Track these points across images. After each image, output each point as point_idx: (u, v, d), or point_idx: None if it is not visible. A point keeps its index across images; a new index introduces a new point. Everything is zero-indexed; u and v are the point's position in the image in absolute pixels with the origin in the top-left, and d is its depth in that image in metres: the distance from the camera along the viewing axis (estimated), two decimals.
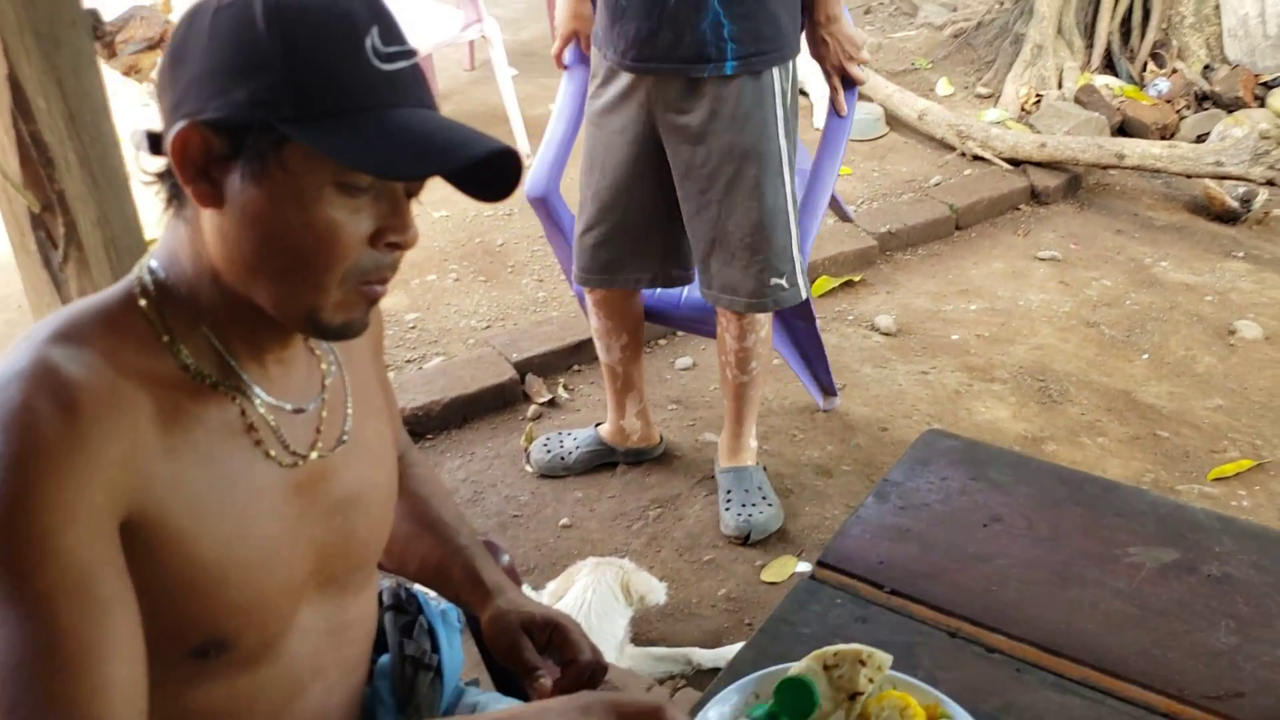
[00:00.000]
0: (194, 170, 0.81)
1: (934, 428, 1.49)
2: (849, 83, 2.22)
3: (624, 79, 2.07)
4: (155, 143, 0.87)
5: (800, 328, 2.46)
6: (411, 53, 0.84)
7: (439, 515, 1.14)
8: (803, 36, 2.15)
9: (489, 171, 0.86)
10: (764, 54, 1.98)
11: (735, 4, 1.94)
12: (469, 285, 3.24)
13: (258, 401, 0.90)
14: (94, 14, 4.62)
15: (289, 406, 0.93)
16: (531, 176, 2.38)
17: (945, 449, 1.29)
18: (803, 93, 3.89)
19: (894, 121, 4.11)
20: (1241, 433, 2.57)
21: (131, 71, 4.34)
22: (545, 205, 2.39)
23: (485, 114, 4.35)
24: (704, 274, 2.18)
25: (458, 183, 0.87)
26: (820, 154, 2.35)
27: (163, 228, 0.91)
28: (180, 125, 0.80)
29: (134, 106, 4.17)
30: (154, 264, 0.89)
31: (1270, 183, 3.27)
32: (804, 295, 2.17)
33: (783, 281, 2.12)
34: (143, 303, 0.86)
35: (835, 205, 2.80)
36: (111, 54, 4.30)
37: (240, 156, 0.80)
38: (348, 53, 0.80)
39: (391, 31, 0.82)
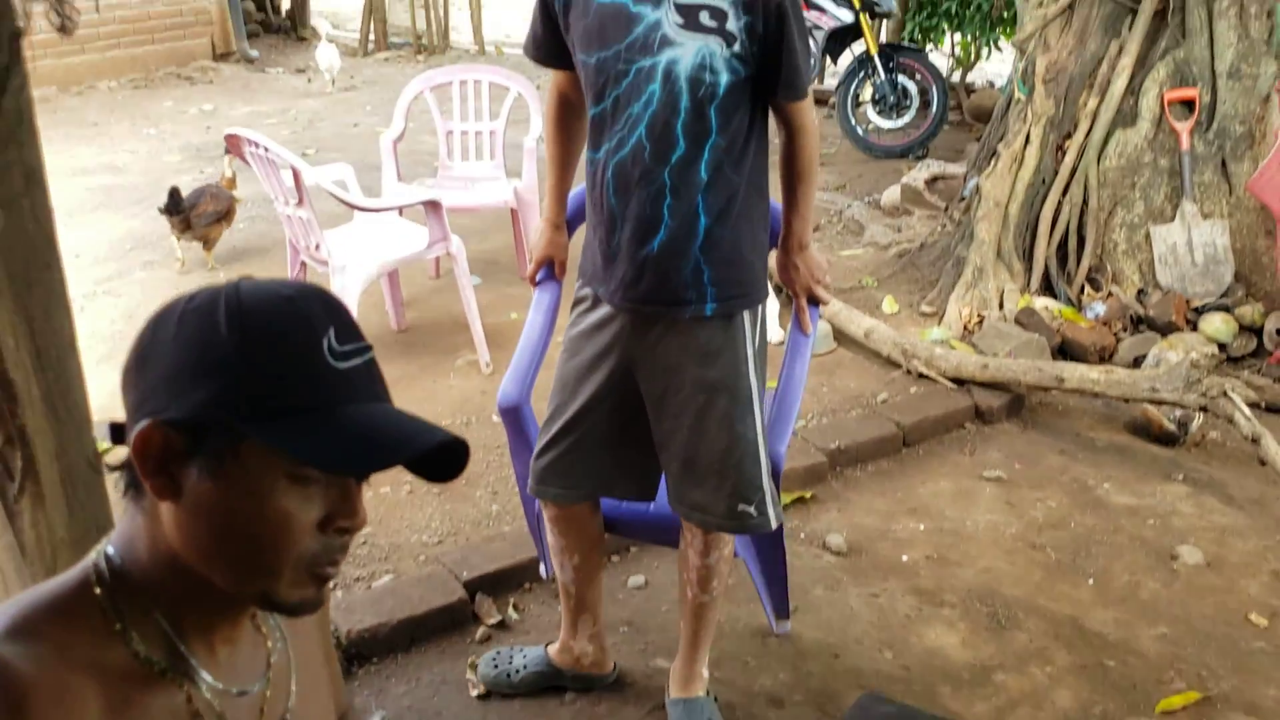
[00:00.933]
0: (153, 466, 0.85)
1: (870, 691, 1.51)
2: (813, 301, 2.35)
3: (604, 310, 2.17)
4: (117, 432, 0.90)
5: (768, 544, 2.49)
6: (366, 348, 0.91)
7: None
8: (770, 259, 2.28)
9: (438, 457, 0.93)
10: (739, 298, 2.10)
11: (714, 252, 2.05)
12: (422, 498, 3.25)
13: (204, 687, 0.92)
14: (175, 190, 4.92)
15: (234, 690, 0.95)
16: (504, 386, 2.43)
17: (881, 715, 1.31)
18: None
19: (842, 338, 4.24)
20: (1187, 662, 2.59)
21: (204, 241, 4.97)
22: (516, 415, 2.43)
23: (448, 321, 4.45)
24: (675, 489, 2.22)
25: (408, 467, 0.92)
26: (786, 370, 2.44)
27: (121, 514, 0.94)
28: (142, 424, 0.84)
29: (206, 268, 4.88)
30: (110, 550, 0.91)
31: (1204, 409, 3.40)
32: (773, 524, 2.20)
33: (751, 509, 2.16)
34: (98, 590, 0.89)
35: None
36: (187, 226, 4.86)
37: (199, 453, 0.85)
38: (305, 354, 0.86)
39: (347, 330, 0.89)
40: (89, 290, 4.70)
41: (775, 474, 2.25)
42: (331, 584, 0.94)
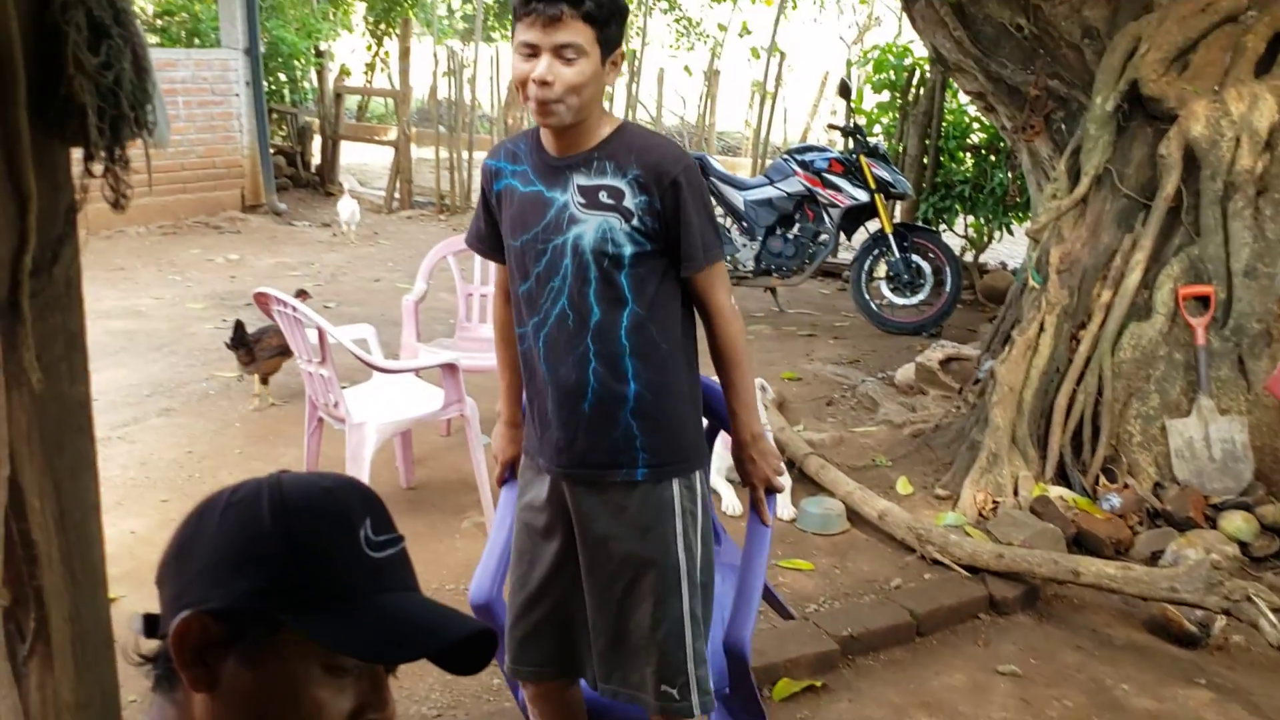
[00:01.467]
0: (192, 656, 0.86)
1: None
2: (770, 490, 2.35)
3: (547, 481, 2.23)
4: (150, 625, 0.91)
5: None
6: (399, 539, 0.96)
7: None
8: (718, 448, 2.32)
9: (464, 647, 0.96)
10: (670, 465, 2.15)
11: (644, 418, 2.13)
12: (422, 667, 3.13)
13: None
14: (239, 324, 5.09)
15: None
16: (475, 583, 2.46)
17: None
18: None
19: (855, 518, 4.21)
20: None
21: (263, 376, 5.17)
22: (489, 611, 2.44)
23: (457, 481, 4.44)
24: (600, 667, 2.21)
25: (433, 659, 0.94)
26: (746, 556, 2.43)
27: (150, 707, 0.92)
28: (183, 614, 0.85)
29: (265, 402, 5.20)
30: None
31: (1226, 612, 3.34)
32: (696, 712, 2.17)
33: (674, 692, 2.14)
34: None
35: (773, 602, 2.85)
36: (251, 359, 5.07)
37: (238, 643, 0.86)
38: (343, 545, 0.90)
39: (382, 521, 0.94)
40: (105, 435, 4.71)
41: (740, 663, 2.26)
42: None
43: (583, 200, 2.08)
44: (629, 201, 2.06)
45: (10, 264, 1.61)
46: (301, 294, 5.05)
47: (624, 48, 2.11)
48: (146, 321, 6.72)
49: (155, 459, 4.58)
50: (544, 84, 1.99)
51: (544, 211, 2.12)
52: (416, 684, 3.08)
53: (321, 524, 0.90)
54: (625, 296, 2.09)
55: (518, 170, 2.18)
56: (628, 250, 2.07)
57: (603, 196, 2.07)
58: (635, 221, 2.06)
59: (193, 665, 0.87)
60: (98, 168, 1.68)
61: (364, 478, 3.73)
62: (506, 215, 2.20)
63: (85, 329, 1.75)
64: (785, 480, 2.37)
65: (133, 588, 3.33)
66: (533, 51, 2.00)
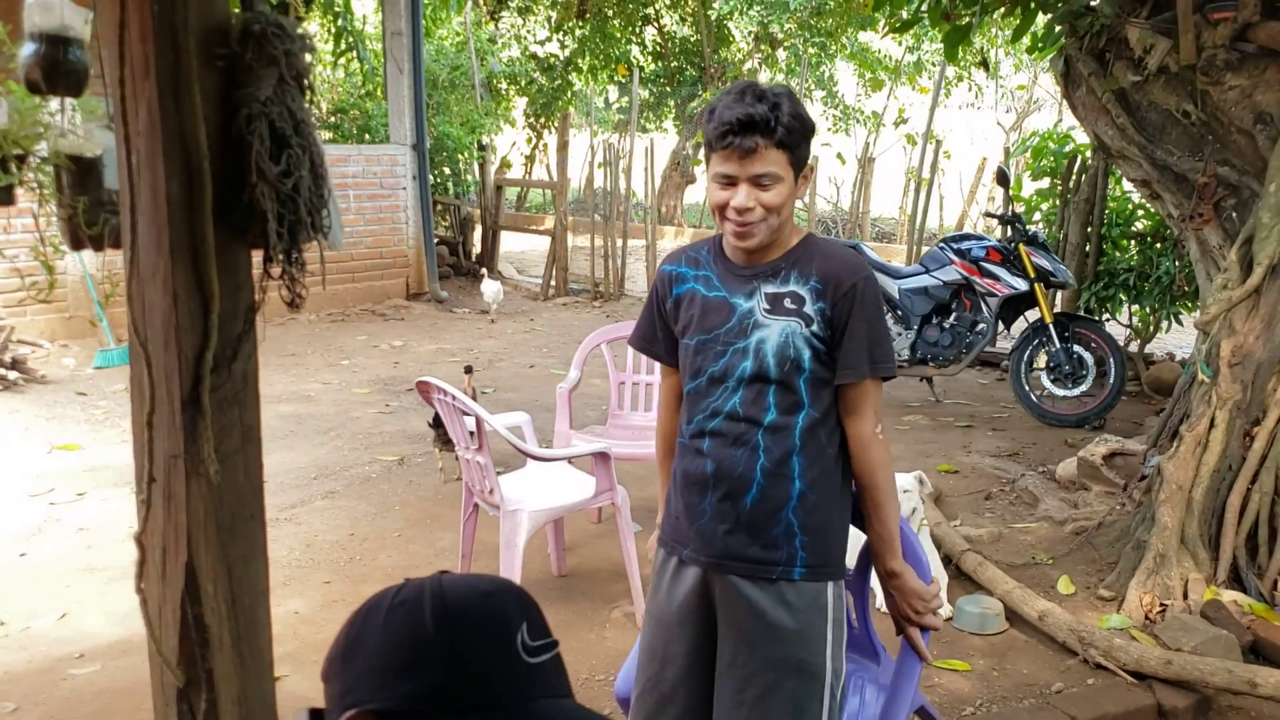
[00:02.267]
0: None
1: None
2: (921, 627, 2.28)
3: (692, 575, 2.22)
4: (316, 717, 0.95)
5: None
6: (554, 643, 0.98)
7: None
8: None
9: None
10: (827, 567, 2.14)
11: (806, 516, 2.13)
12: None
13: None
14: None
15: None
16: (621, 676, 2.49)
17: None
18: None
19: (1014, 618, 4.07)
20: None
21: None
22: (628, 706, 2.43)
23: (607, 569, 4.48)
24: None
25: None
26: (892, 693, 2.34)
27: None
28: (350, 713, 0.89)
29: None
30: None
31: None
32: None
33: None
34: None
35: (926, 716, 2.75)
36: (448, 440, 4.72)
37: None
38: (501, 651, 0.92)
39: (538, 626, 0.96)
40: (273, 517, 4.92)
41: None
42: None
43: (768, 307, 2.16)
44: (809, 308, 2.14)
45: (193, 360, 1.73)
46: (469, 371, 5.26)
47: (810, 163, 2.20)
48: (314, 406, 7.03)
49: (319, 540, 4.76)
50: (744, 210, 2.10)
51: (728, 316, 2.19)
52: None
53: (482, 631, 0.93)
54: (802, 400, 2.15)
55: (700, 275, 2.27)
56: (806, 354, 2.13)
57: (787, 303, 2.15)
58: (814, 327, 2.13)
59: None
60: (276, 269, 1.80)
61: (517, 564, 3.80)
62: (685, 315, 2.28)
63: (260, 422, 1.86)
64: (935, 619, 2.26)
65: (295, 667, 3.44)
66: (730, 181, 2.11)
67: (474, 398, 5.50)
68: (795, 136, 2.08)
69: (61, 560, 4.46)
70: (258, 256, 1.80)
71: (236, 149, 1.71)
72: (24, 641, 3.79)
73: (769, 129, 2.05)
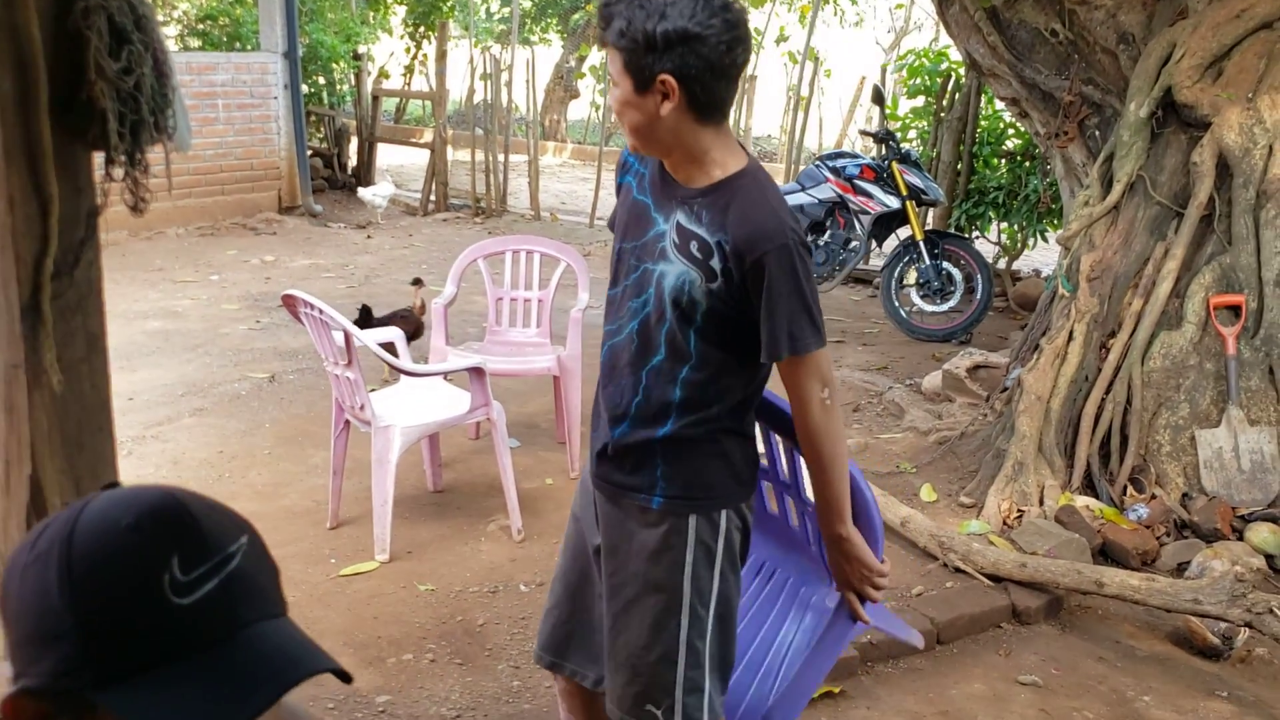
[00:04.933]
0: None
1: None
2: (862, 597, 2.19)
3: (590, 487, 2.24)
4: None
5: None
6: (222, 562, 0.84)
7: None
8: None
9: None
10: (688, 499, 2.08)
11: (673, 454, 2.07)
12: (444, 668, 3.21)
13: None
14: (366, 309, 5.18)
15: None
16: None
17: None
18: None
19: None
20: None
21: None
22: None
23: (484, 484, 4.48)
24: (607, 676, 2.21)
25: None
26: (815, 651, 2.29)
27: None
28: (8, 693, 0.83)
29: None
30: None
31: (1249, 625, 3.30)
32: None
33: (657, 713, 2.11)
34: None
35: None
36: None
37: (63, 716, 0.82)
38: (143, 603, 0.80)
39: (195, 551, 0.82)
40: (138, 434, 4.79)
41: None
42: None
43: (676, 240, 2.00)
44: (714, 262, 1.96)
45: (32, 266, 1.65)
46: (418, 283, 5.62)
47: (668, 76, 1.90)
48: (182, 322, 6.81)
49: (187, 458, 4.65)
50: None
51: (646, 229, 2.06)
52: (436, 684, 3.11)
53: (114, 585, 0.80)
54: (689, 352, 2.01)
55: (638, 170, 2.14)
56: (701, 308, 1.98)
57: (693, 247, 1.98)
58: (718, 285, 1.96)
59: None
60: (118, 171, 1.72)
61: (390, 480, 3.77)
62: (621, 212, 2.17)
63: (106, 331, 1.79)
64: (875, 594, 2.14)
65: None
66: None
67: (422, 312, 5.43)
68: (623, 36, 1.89)
69: None
70: (100, 159, 1.72)
71: (73, 44, 1.62)
72: None
73: (605, 22, 1.93)
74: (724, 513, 2.11)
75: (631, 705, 2.13)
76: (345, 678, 0.87)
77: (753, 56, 14.51)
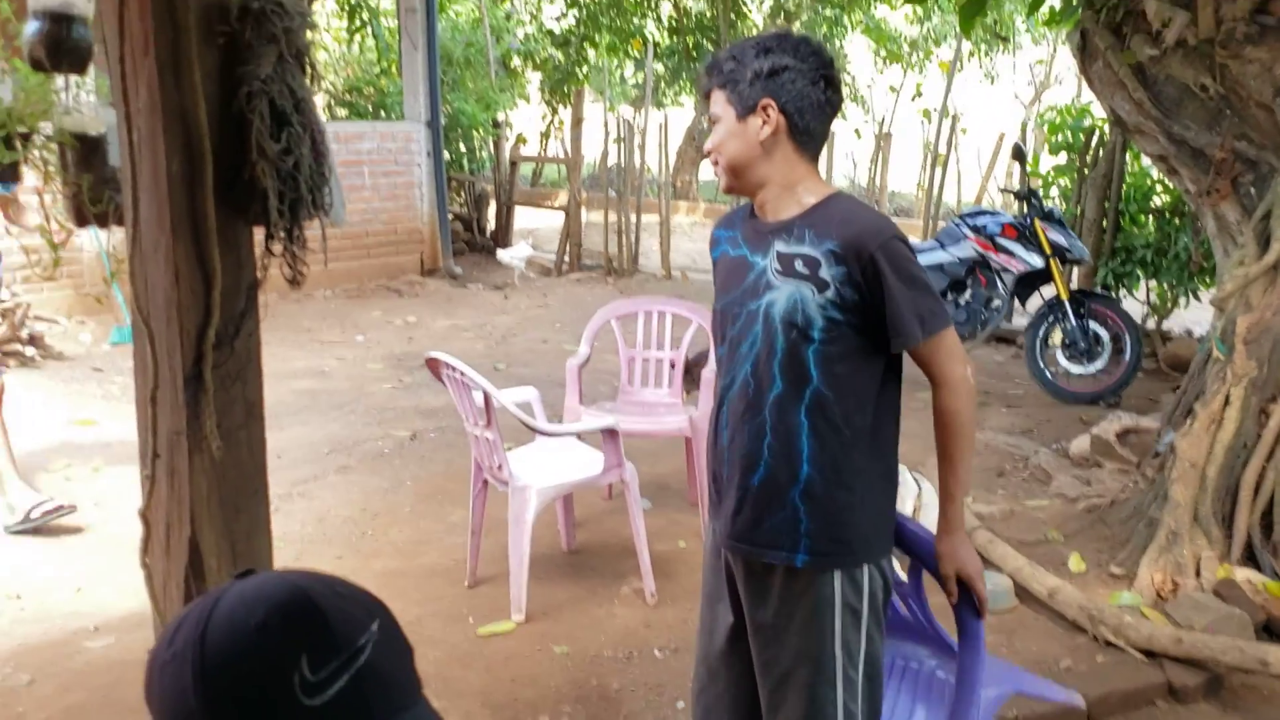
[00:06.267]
0: None
1: None
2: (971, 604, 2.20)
3: (720, 557, 2.23)
4: None
5: None
6: (350, 659, 0.83)
7: None
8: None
9: None
10: (832, 555, 2.07)
11: (813, 502, 2.06)
12: None
13: None
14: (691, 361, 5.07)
15: None
16: None
17: None
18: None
19: (1024, 595, 4.06)
20: None
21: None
22: None
23: (617, 545, 4.49)
24: None
25: None
26: (960, 673, 2.25)
27: None
28: None
29: None
30: None
31: None
32: None
33: None
34: None
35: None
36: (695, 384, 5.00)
37: None
38: (274, 706, 0.80)
39: (323, 650, 0.83)
40: (285, 491, 4.95)
41: None
42: None
43: (779, 267, 2.06)
44: (825, 272, 2.01)
45: (196, 337, 1.74)
46: None
47: (770, 100, 2.07)
48: (328, 381, 7.05)
49: (331, 515, 4.78)
50: (708, 152, 2.16)
51: (744, 275, 2.12)
52: None
53: (245, 688, 0.81)
54: (809, 373, 2.03)
55: (731, 235, 2.22)
56: (818, 323, 2.02)
57: (798, 265, 2.04)
58: (831, 293, 2.01)
59: None
60: (277, 246, 1.80)
61: (526, 540, 3.81)
62: (718, 278, 2.25)
63: (263, 399, 1.87)
64: (955, 589, 2.18)
65: None
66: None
67: None
68: (728, 74, 2.08)
69: (77, 534, 4.50)
70: (260, 234, 1.81)
71: (237, 127, 1.71)
72: (39, 614, 3.83)
73: (711, 71, 2.12)
74: (866, 568, 2.09)
75: None
76: None
77: (889, 114, 14.36)
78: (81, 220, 2.10)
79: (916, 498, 4.18)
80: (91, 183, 2.09)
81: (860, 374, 2.06)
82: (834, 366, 2.04)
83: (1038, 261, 6.98)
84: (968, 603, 2.19)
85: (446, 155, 11.67)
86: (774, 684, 2.11)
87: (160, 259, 1.71)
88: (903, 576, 2.42)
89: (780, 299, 2.04)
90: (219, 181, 1.72)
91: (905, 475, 4.20)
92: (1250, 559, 4.22)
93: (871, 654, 2.10)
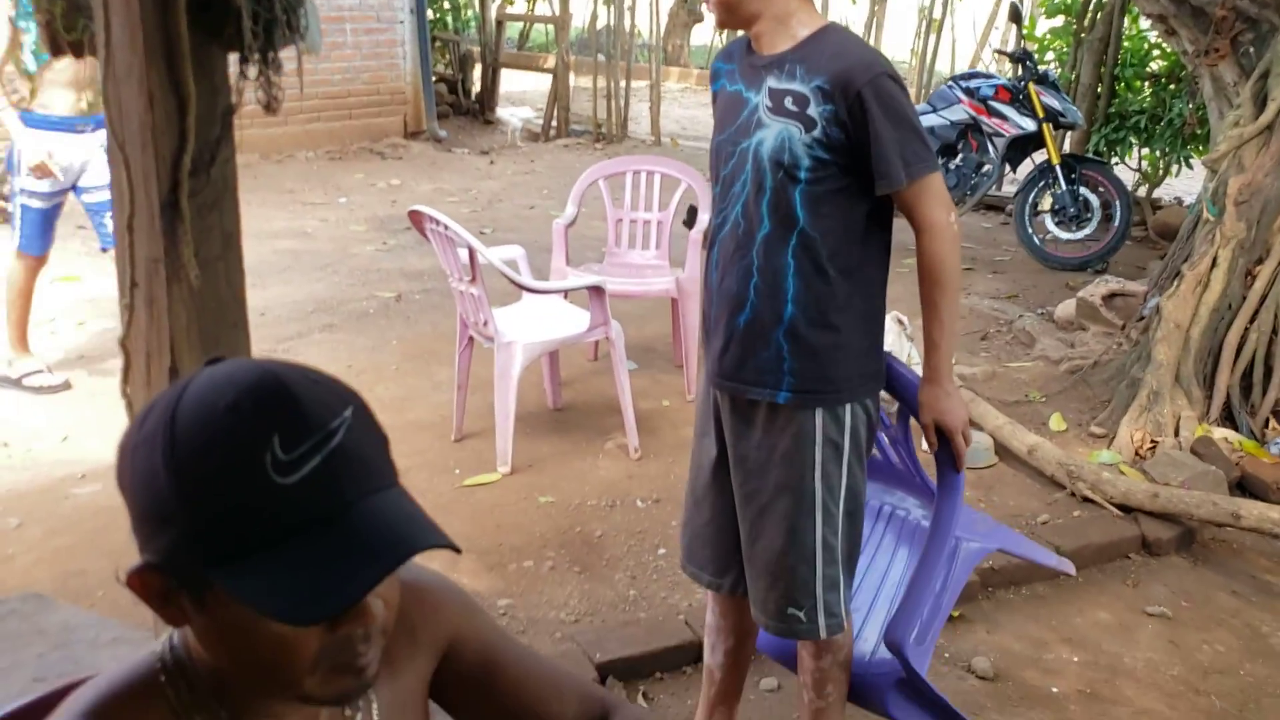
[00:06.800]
0: (156, 602, 0.85)
1: None
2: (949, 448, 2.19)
3: (709, 393, 2.24)
4: None
5: (927, 707, 2.31)
6: (324, 439, 0.82)
7: None
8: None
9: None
10: (815, 393, 2.08)
11: (797, 341, 2.07)
12: (563, 575, 3.26)
13: None
14: (693, 209, 5.07)
15: None
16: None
17: None
18: None
19: (1004, 453, 4.12)
20: None
21: None
22: None
23: (602, 404, 4.51)
24: (747, 584, 2.24)
25: None
26: (929, 541, 2.24)
27: None
28: (128, 570, 0.84)
29: None
30: (175, 639, 0.93)
31: None
32: (822, 634, 2.15)
33: (800, 614, 2.14)
34: (163, 678, 0.90)
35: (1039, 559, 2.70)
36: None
37: (184, 590, 0.84)
38: (246, 486, 0.79)
39: (297, 428, 0.81)
40: (270, 348, 4.93)
41: (904, 661, 2.14)
42: (371, 670, 0.88)
43: (770, 105, 2.02)
44: (813, 110, 1.98)
45: (171, 163, 1.70)
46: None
47: None
48: (312, 242, 6.98)
49: None
50: None
51: (739, 112, 2.09)
52: (556, 590, 3.17)
53: (217, 467, 0.79)
54: (796, 214, 2.02)
55: (729, 69, 2.17)
56: (805, 163, 1.99)
57: (788, 103, 2.00)
58: (818, 132, 1.97)
59: (160, 608, 0.85)
60: (252, 70, 1.75)
61: (512, 396, 3.82)
62: (715, 114, 2.21)
63: (241, 230, 1.83)
64: (964, 440, 2.17)
65: None
66: None
67: None
68: None
69: (65, 389, 4.50)
70: (235, 59, 1.75)
71: None
72: (27, 462, 3.85)
73: None
74: (849, 406, 2.11)
75: (775, 610, 2.15)
76: (455, 550, 0.86)
77: None
78: (56, 49, 2.04)
79: (908, 358, 4.19)
80: (64, 9, 2.02)
81: (847, 216, 2.05)
82: (820, 207, 2.02)
83: (1030, 125, 6.89)
84: (946, 454, 2.20)
85: (430, 13, 11.35)
86: (755, 515, 2.15)
87: (134, 83, 1.66)
88: (891, 420, 2.43)
89: (769, 138, 2.02)
90: (192, 3, 1.66)
91: (900, 338, 4.20)
92: (1228, 419, 4.27)
93: (852, 489, 2.13)
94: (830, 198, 2.02)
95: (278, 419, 0.80)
